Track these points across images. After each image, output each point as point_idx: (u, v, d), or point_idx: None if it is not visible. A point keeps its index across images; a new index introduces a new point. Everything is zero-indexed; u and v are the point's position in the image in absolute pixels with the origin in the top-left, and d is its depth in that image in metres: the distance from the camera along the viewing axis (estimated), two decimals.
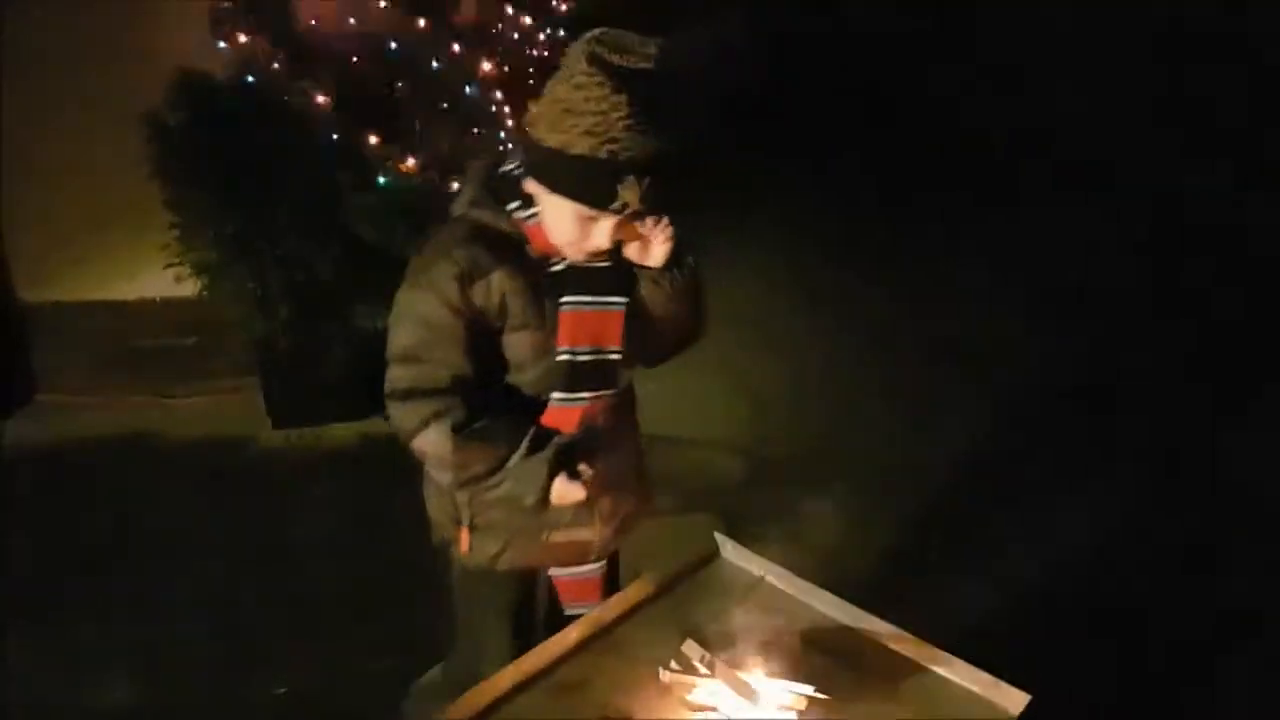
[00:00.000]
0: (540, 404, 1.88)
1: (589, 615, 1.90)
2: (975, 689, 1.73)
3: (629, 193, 1.65)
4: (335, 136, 3.72)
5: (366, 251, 3.71)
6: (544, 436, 1.83)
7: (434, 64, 3.92)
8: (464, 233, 1.81)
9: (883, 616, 1.88)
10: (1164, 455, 3.87)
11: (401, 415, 1.83)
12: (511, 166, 1.83)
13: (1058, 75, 6.67)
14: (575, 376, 1.85)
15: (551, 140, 1.67)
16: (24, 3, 3.79)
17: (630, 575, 2.08)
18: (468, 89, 4.01)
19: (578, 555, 2.08)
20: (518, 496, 1.84)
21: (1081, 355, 4.59)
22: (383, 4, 3.85)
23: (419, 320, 1.80)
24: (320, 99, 3.74)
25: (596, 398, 1.88)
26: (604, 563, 2.14)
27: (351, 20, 3.83)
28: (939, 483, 3.70)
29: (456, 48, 4.01)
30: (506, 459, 1.81)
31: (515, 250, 1.81)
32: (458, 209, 1.86)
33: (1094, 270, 5.23)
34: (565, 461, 1.83)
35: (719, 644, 1.77)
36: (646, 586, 1.99)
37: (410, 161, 3.88)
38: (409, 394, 1.81)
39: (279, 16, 3.80)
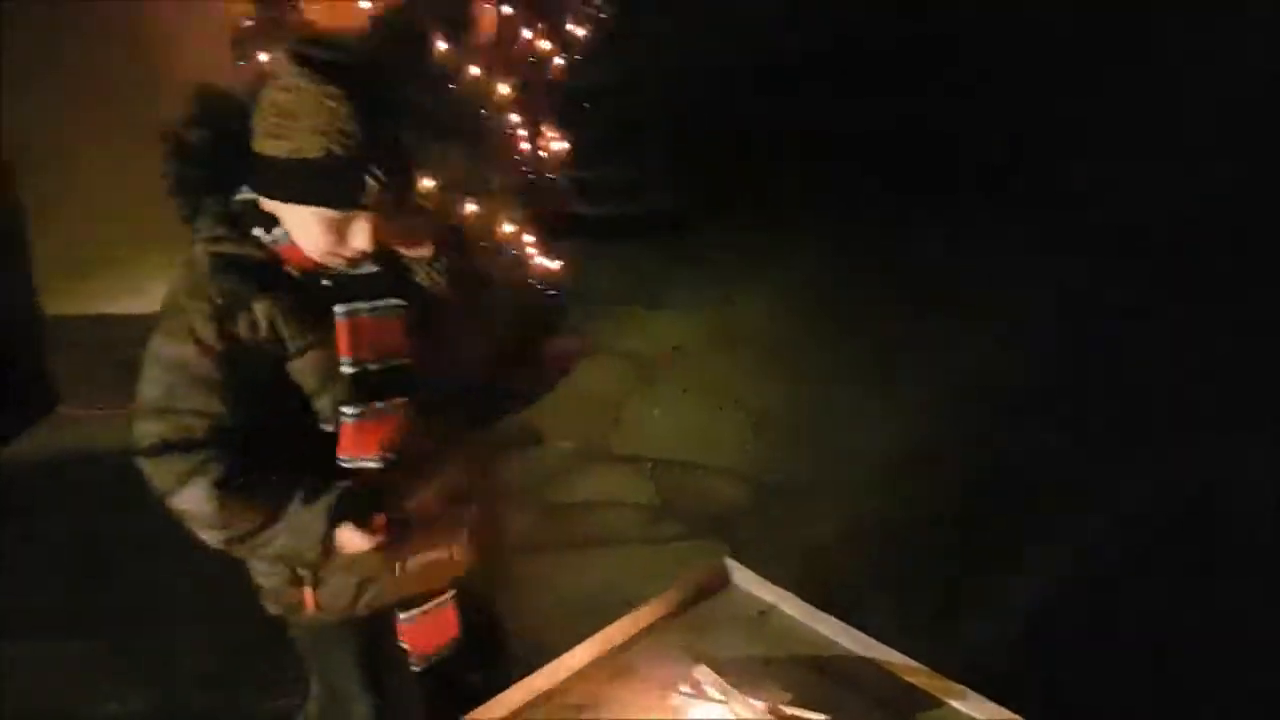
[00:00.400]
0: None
1: (599, 635, 1.91)
2: None
3: (374, 185, 1.57)
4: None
5: None
6: (319, 485, 1.72)
7: (451, 87, 3.96)
8: (214, 267, 1.67)
9: (894, 646, 1.88)
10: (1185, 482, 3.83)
11: (154, 473, 1.69)
12: (244, 194, 1.72)
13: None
14: (365, 387, 1.73)
15: (279, 150, 1.59)
16: (49, 26, 3.84)
17: (637, 600, 2.07)
18: (483, 112, 4.06)
19: (439, 578, 1.96)
20: (296, 551, 1.74)
21: (1096, 381, 4.58)
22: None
23: (168, 367, 1.67)
24: None
25: (394, 407, 1.77)
26: (452, 594, 2.00)
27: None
28: (948, 510, 3.69)
29: (475, 70, 4.06)
30: (278, 512, 1.69)
31: (273, 274, 1.69)
32: (197, 249, 1.70)
33: (1110, 290, 5.21)
34: (350, 507, 1.72)
35: (730, 670, 1.77)
36: (657, 610, 2.00)
37: (427, 183, 3.92)
38: (161, 449, 1.66)
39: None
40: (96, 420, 3.78)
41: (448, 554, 1.94)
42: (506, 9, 4.31)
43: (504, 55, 4.26)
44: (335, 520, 1.70)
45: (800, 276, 5.71)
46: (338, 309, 1.71)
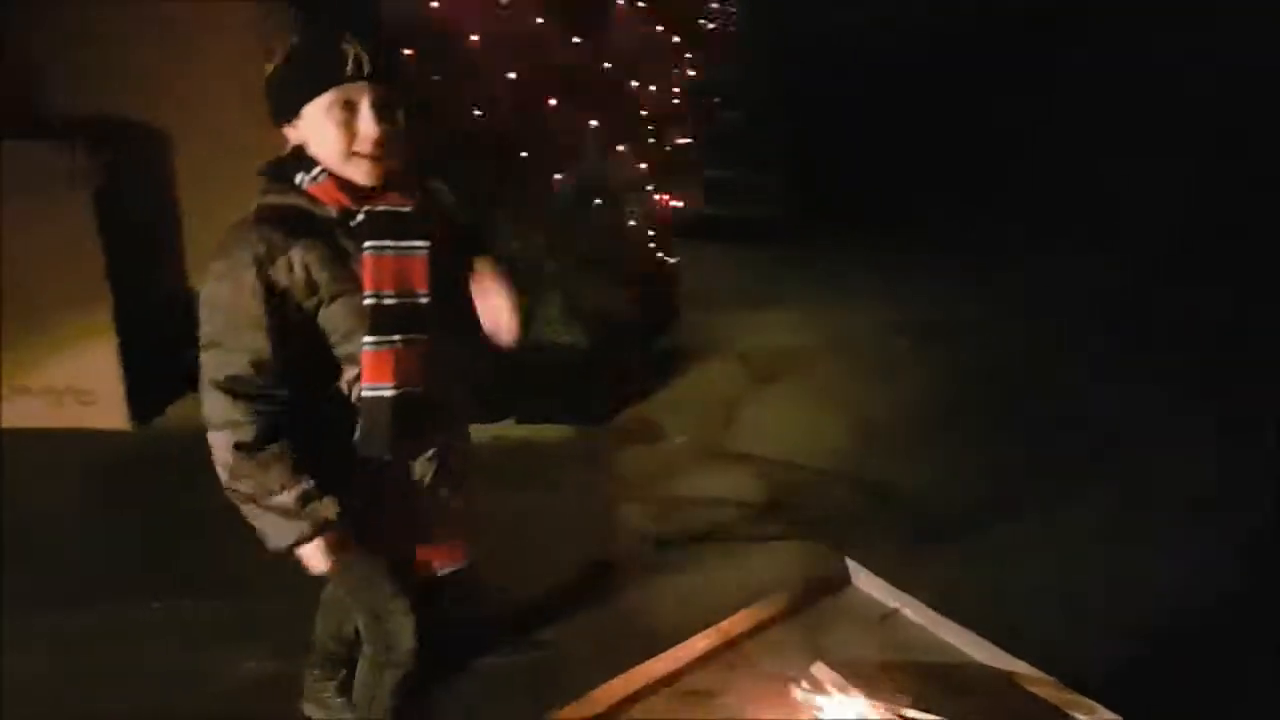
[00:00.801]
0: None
1: (719, 626, 1.93)
2: None
3: (352, 47, 1.74)
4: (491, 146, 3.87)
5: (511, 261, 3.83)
6: (316, 493, 1.85)
7: (586, 80, 4.03)
8: (257, 218, 1.81)
9: (1016, 654, 1.86)
10: None
11: (204, 403, 1.83)
12: (288, 150, 1.88)
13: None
14: (383, 319, 1.85)
15: (270, 70, 1.81)
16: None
17: (748, 596, 2.09)
18: (614, 109, 4.12)
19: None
20: (264, 535, 1.87)
21: (1199, 391, 4.43)
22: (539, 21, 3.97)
23: (219, 308, 1.80)
24: (476, 114, 3.89)
25: (408, 340, 1.88)
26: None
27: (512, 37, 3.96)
28: (1065, 518, 3.62)
29: (608, 66, 4.12)
30: (271, 498, 1.82)
31: (311, 222, 1.83)
32: (252, 206, 1.86)
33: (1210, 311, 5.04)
34: (325, 527, 1.86)
35: (850, 670, 1.78)
36: (776, 606, 2.02)
37: (557, 176, 4.01)
38: (215, 385, 1.80)
39: (437, 35, 3.97)
40: None
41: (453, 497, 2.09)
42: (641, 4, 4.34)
43: (634, 52, 4.29)
44: (304, 539, 1.86)
45: (914, 282, 5.65)
46: (366, 245, 1.84)
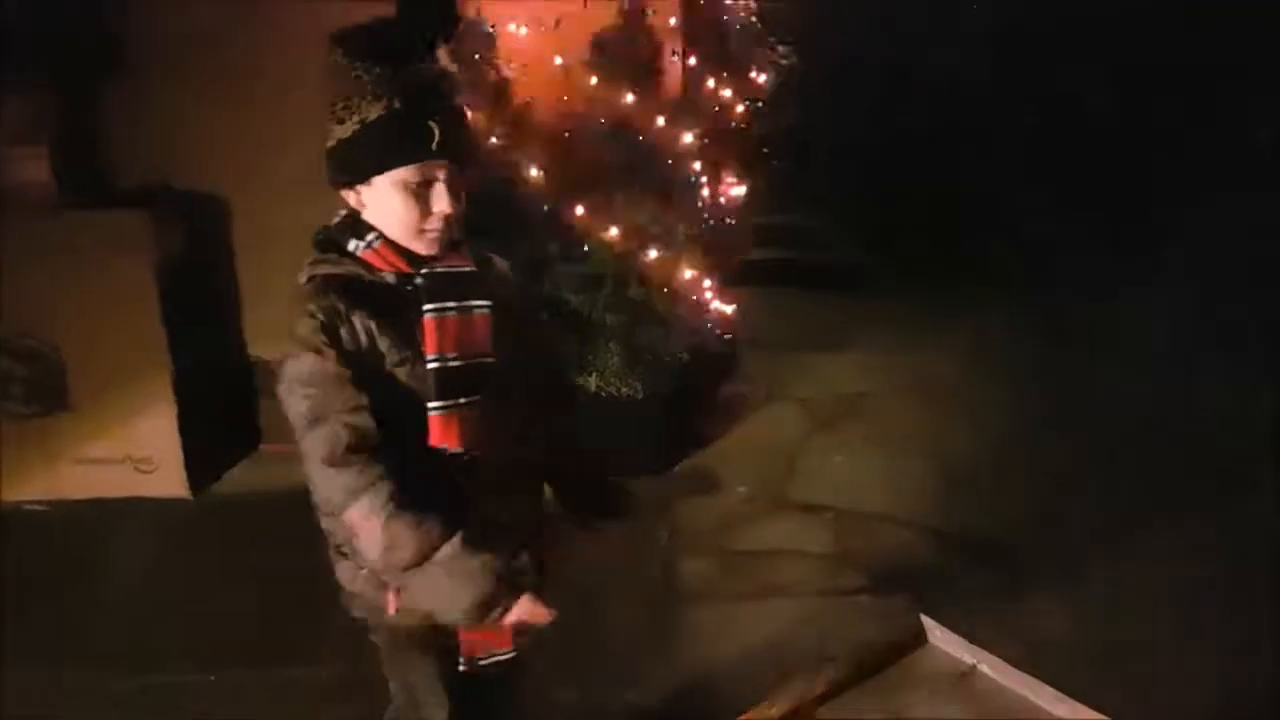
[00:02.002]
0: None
1: (791, 690, 1.86)
2: None
3: (437, 131, 1.70)
4: (546, 208, 3.88)
5: (568, 315, 3.84)
6: (479, 534, 1.73)
7: (639, 138, 4.03)
8: (313, 289, 1.77)
9: (1107, 714, 1.78)
10: None
11: (327, 488, 1.73)
12: (337, 218, 1.84)
13: None
14: (447, 382, 1.78)
15: (345, 132, 1.73)
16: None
17: (820, 652, 2.01)
18: (669, 161, 4.11)
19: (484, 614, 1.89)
20: (450, 600, 1.74)
21: None
22: (594, 81, 4.00)
23: (303, 382, 1.73)
24: (533, 171, 3.90)
25: (473, 403, 1.80)
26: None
27: (564, 96, 3.99)
28: (1153, 568, 3.46)
29: (661, 121, 4.12)
30: (436, 547, 1.70)
31: (368, 289, 1.77)
32: (301, 277, 1.81)
33: None
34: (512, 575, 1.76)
35: None
36: (850, 667, 1.94)
37: (613, 231, 4.00)
38: (332, 463, 1.69)
39: (494, 94, 4.00)
40: (296, 458, 3.96)
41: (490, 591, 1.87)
42: (692, 60, 4.36)
43: (688, 104, 4.30)
44: (493, 589, 1.73)
45: (982, 325, 5.54)
46: (426, 308, 1.78)
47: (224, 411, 4.29)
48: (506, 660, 1.95)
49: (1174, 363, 4.92)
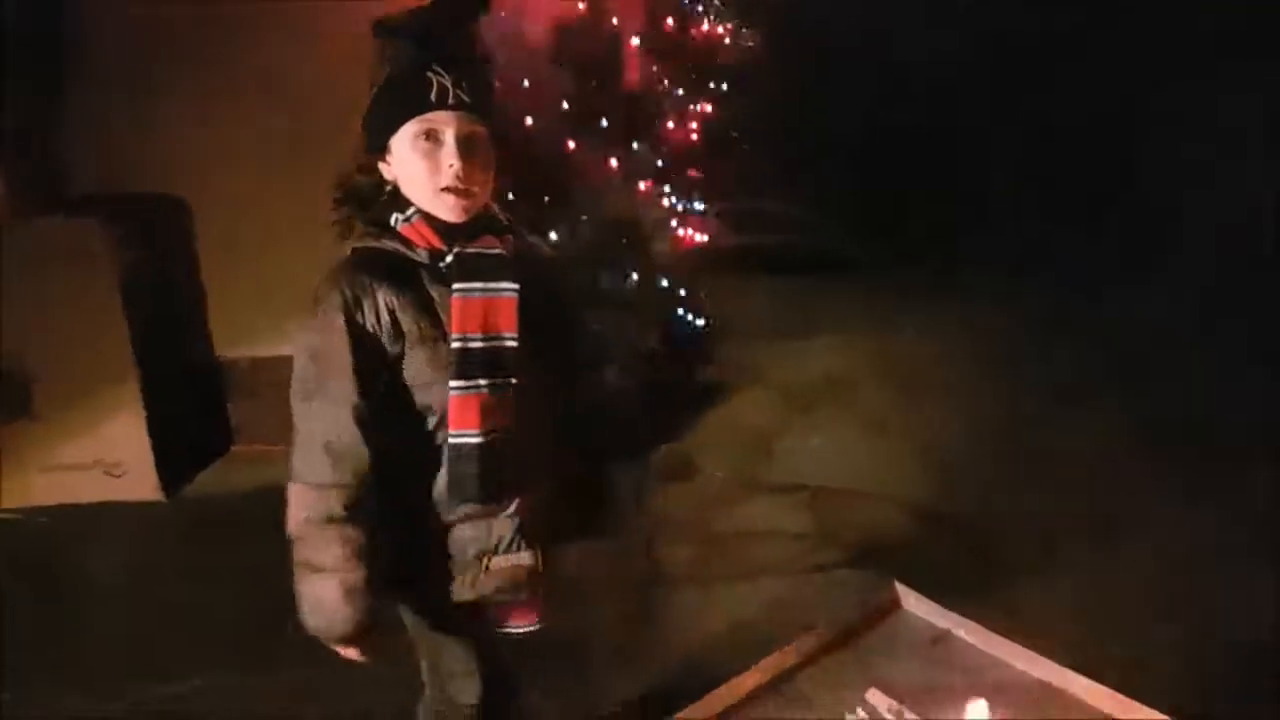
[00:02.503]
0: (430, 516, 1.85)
1: (767, 661, 1.85)
2: None
3: (437, 77, 1.75)
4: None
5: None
6: (366, 588, 1.76)
7: (603, 123, 4.02)
8: (348, 263, 1.81)
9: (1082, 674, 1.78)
10: None
11: (302, 459, 1.79)
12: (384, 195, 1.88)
13: None
14: (469, 363, 1.80)
15: (368, 105, 1.82)
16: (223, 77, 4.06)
17: (801, 627, 2.01)
18: (635, 146, 4.11)
19: (520, 584, 1.95)
20: (302, 611, 1.80)
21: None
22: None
23: (311, 354, 1.79)
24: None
25: (494, 386, 1.82)
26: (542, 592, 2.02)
27: (526, 83, 3.97)
28: (1129, 545, 3.47)
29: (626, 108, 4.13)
30: (325, 572, 1.75)
31: (401, 265, 1.81)
32: (346, 248, 1.86)
33: None
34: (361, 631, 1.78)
35: (906, 696, 1.70)
36: (826, 636, 1.94)
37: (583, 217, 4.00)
38: (313, 442, 1.77)
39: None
40: (268, 458, 3.95)
41: (533, 560, 1.93)
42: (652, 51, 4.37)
43: (653, 90, 4.30)
44: (341, 636, 1.79)
45: (958, 308, 5.56)
46: (455, 287, 1.80)
47: (194, 413, 4.26)
48: (528, 634, 2.00)
49: (1147, 342, 4.96)
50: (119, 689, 3.00)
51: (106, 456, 3.98)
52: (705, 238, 5.10)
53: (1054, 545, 3.49)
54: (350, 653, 1.84)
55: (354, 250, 1.83)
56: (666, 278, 4.63)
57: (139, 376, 3.94)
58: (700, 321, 5.00)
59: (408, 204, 1.83)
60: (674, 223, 4.79)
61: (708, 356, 5.16)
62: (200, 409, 4.29)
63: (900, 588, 2.06)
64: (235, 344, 4.30)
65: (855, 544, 3.61)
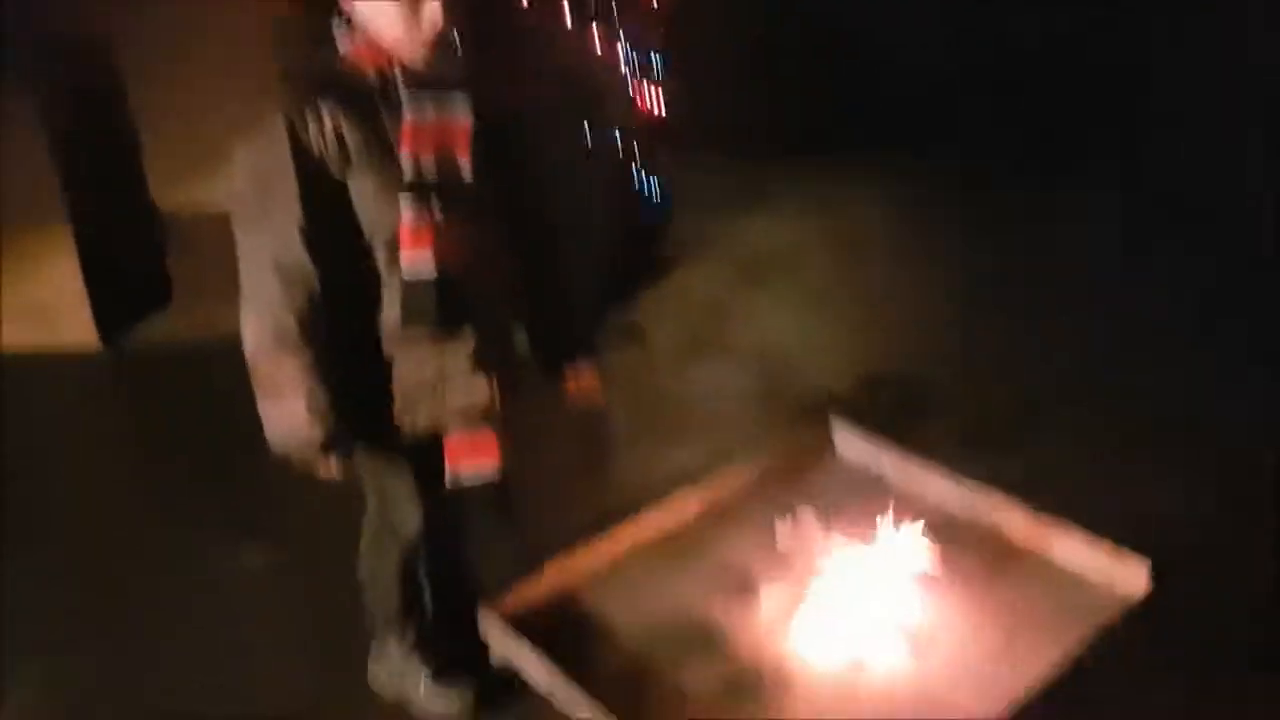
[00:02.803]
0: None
1: (700, 486, 1.88)
2: (1100, 561, 1.66)
3: None
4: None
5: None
6: (325, 407, 1.76)
7: None
8: (295, 82, 1.76)
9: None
10: None
11: (250, 282, 1.76)
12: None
13: None
14: (421, 188, 1.75)
15: None
16: None
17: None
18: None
19: (475, 416, 1.93)
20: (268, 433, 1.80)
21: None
22: None
23: (252, 173, 1.75)
24: None
25: (448, 216, 1.77)
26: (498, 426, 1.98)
27: None
28: (1065, 396, 3.58)
29: None
30: (285, 395, 1.75)
31: (348, 86, 1.75)
32: (282, 72, 1.84)
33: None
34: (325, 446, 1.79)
35: (835, 519, 1.74)
36: (760, 465, 1.97)
37: None
38: (259, 262, 1.73)
39: None
40: (209, 312, 3.88)
41: (485, 391, 1.92)
42: None
43: None
44: (305, 454, 1.80)
45: (902, 178, 5.55)
46: (407, 110, 1.74)
47: (132, 264, 4.17)
48: (489, 482, 1.97)
49: (1083, 207, 5.00)
50: (57, 531, 3.04)
51: (40, 302, 3.90)
52: (664, 110, 5.02)
53: (990, 402, 3.57)
54: (321, 470, 1.85)
55: (287, 67, 1.79)
56: (625, 146, 4.57)
57: (69, 219, 3.84)
58: (658, 193, 4.95)
59: (358, 29, 1.75)
60: (632, 90, 4.70)
61: (664, 229, 5.13)
62: (138, 260, 4.20)
63: (835, 423, 2.09)
64: (173, 194, 4.18)
65: (799, 405, 3.66)
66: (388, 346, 1.85)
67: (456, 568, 2.39)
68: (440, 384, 1.88)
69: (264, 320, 1.73)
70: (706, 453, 3.30)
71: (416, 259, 1.77)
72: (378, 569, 2.23)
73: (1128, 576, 1.62)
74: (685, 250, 5.08)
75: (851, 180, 5.77)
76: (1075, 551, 1.69)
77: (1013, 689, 1.38)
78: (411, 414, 1.90)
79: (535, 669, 1.44)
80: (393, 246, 1.77)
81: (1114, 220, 4.95)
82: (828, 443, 2.08)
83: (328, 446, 1.79)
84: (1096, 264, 4.62)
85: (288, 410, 1.76)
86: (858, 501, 1.84)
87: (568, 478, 3.25)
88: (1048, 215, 5.08)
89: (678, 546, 1.76)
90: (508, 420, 1.98)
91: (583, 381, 2.18)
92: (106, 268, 3.99)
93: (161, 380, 3.73)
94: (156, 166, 4.19)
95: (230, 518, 3.05)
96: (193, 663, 2.54)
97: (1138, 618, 1.55)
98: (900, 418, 3.45)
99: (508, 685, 2.09)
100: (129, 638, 2.66)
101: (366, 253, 1.80)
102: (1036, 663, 1.44)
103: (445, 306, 1.80)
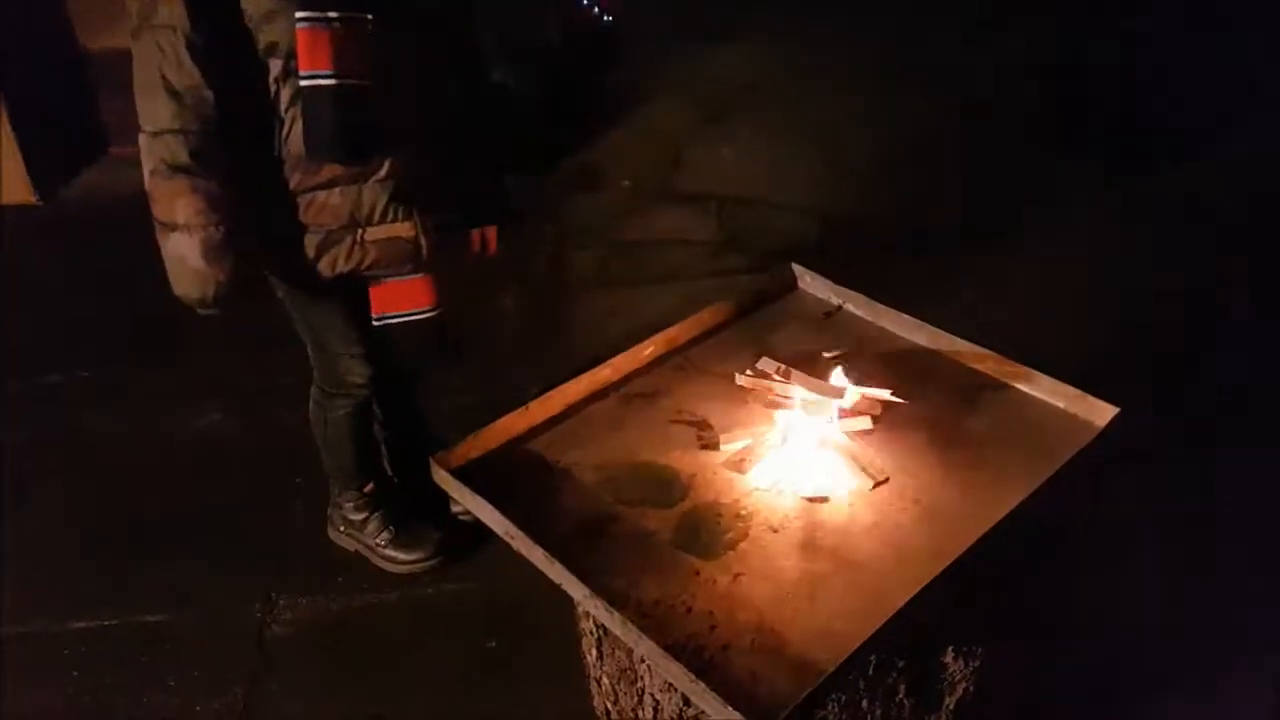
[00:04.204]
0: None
1: (662, 334, 1.84)
2: (1061, 403, 1.66)
3: None
4: None
5: None
6: (225, 243, 1.64)
7: None
8: None
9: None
10: None
11: (147, 105, 1.61)
12: None
13: None
14: None
15: None
16: None
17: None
18: None
19: (400, 257, 1.84)
20: (181, 276, 1.67)
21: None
22: None
23: None
24: None
25: (349, 20, 1.60)
26: (428, 272, 1.89)
27: None
28: (1025, 236, 3.62)
29: None
30: (179, 229, 1.63)
31: None
32: None
33: None
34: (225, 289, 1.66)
35: (796, 362, 1.71)
36: (722, 312, 1.94)
37: None
38: (151, 82, 1.59)
39: None
40: None
41: (412, 230, 1.82)
42: None
43: None
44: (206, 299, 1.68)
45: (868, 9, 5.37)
46: None
47: (63, 113, 3.98)
48: (425, 319, 1.90)
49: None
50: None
51: None
52: None
53: (953, 242, 3.56)
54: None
55: None
56: None
57: None
58: (605, 14, 4.74)
59: None
60: None
61: (614, 56, 4.93)
62: (69, 108, 4.01)
63: (796, 268, 2.05)
64: (103, 37, 3.91)
65: (761, 249, 3.62)
66: (293, 178, 1.72)
67: (409, 420, 2.38)
68: (360, 225, 1.78)
69: (156, 148, 1.60)
70: (666, 302, 3.28)
71: (315, 73, 1.61)
72: (328, 426, 2.21)
73: (1091, 419, 1.61)
74: (644, 82, 4.89)
75: (820, 13, 5.59)
76: (1041, 391, 1.68)
77: (977, 521, 1.39)
78: (330, 255, 1.80)
79: (490, 516, 1.42)
80: (293, 62, 1.63)
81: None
82: (790, 286, 2.04)
83: (226, 294, 1.67)
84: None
85: (183, 249, 1.64)
86: (820, 345, 1.82)
87: (527, 327, 3.23)
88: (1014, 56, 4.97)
89: (637, 394, 1.73)
90: (447, 260, 1.91)
91: (487, 246, 2.11)
92: (39, 121, 3.81)
93: (98, 232, 3.60)
94: (82, 10, 3.95)
95: (182, 373, 3.02)
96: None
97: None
98: (859, 262, 3.45)
99: (470, 532, 2.11)
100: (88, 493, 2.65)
101: (267, 69, 1.66)
102: (1001, 495, 1.44)
103: (350, 131, 1.66)
